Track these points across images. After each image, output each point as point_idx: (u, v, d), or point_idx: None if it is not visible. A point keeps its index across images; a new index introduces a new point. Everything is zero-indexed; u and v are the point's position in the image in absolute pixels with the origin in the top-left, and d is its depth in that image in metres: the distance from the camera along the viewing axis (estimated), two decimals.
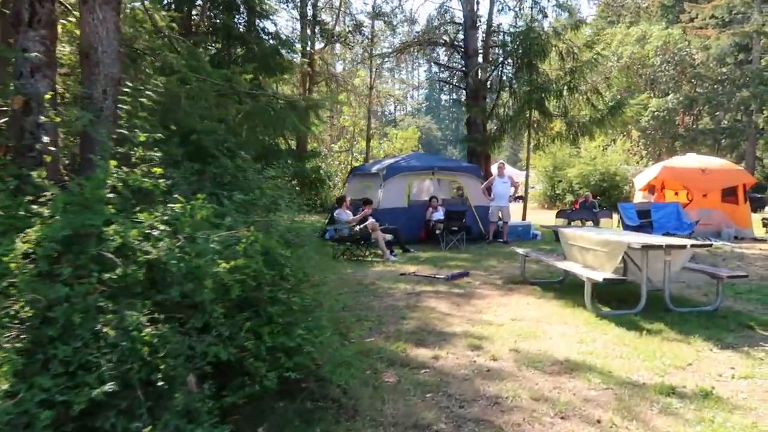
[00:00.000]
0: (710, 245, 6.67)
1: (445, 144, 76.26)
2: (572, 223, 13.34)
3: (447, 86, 26.00)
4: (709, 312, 6.06)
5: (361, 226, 10.77)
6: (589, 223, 13.26)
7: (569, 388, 4.03)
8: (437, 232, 12.27)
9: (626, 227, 10.58)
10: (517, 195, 20.63)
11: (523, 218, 15.69)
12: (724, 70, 40.46)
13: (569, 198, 25.65)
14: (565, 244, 7.35)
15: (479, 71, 16.05)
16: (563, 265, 6.79)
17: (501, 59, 16.77)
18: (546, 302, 6.70)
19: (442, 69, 21.50)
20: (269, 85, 13.84)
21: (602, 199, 22.99)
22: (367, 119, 28.42)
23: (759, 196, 22.27)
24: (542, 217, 17.15)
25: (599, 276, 5.87)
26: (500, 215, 12.89)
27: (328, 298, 4.56)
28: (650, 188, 14.94)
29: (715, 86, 40.49)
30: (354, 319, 5.91)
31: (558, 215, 13.55)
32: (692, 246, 5.94)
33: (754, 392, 3.92)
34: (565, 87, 14.34)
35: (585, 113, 14.63)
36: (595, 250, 6.51)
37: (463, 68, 17.78)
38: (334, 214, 11.18)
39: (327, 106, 13.29)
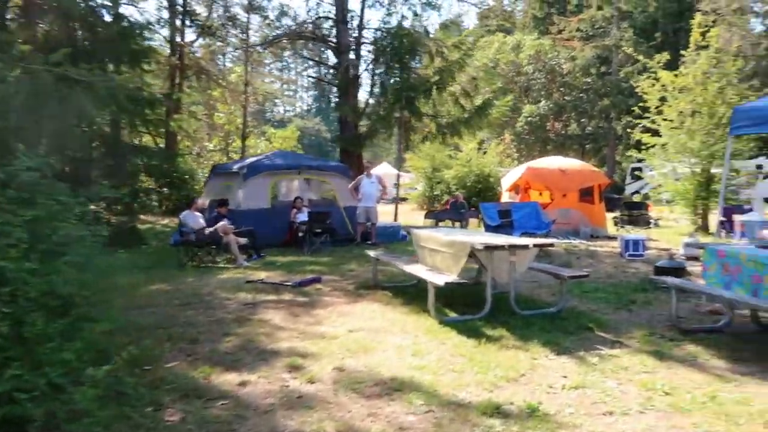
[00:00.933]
0: (551, 245, 6.52)
1: (335, 146, 75.64)
2: (440, 224, 13.20)
3: (326, 86, 25.32)
4: (553, 314, 5.86)
5: (211, 229, 9.79)
6: (458, 223, 13.18)
7: (386, 414, 3.47)
8: (300, 234, 11.55)
9: (487, 227, 10.50)
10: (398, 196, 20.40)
11: (395, 219, 15.40)
12: (588, 80, 43.37)
13: (447, 199, 25.99)
14: (416, 245, 6.92)
15: (350, 68, 15.54)
16: (409, 268, 6.34)
17: (373, 56, 16.40)
18: (392, 309, 6.21)
19: (315, 65, 20.80)
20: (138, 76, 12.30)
21: (478, 199, 23.47)
22: (243, 117, 27.09)
23: (617, 196, 23.74)
24: (417, 219, 16.99)
25: (441, 280, 5.45)
26: (368, 216, 12.43)
27: (105, 315, 3.69)
28: (516, 188, 15.23)
29: (581, 95, 43.26)
30: (166, 337, 5.04)
31: (426, 216, 13.36)
32: (535, 246, 5.70)
33: (581, 405, 3.59)
34: (434, 86, 14.21)
35: (454, 113, 14.62)
36: (443, 251, 6.12)
37: (336, 65, 17.23)
38: (180, 217, 10.10)
39: (161, 99, 12.03)
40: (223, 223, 9.89)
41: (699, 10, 18.52)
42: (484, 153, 28.20)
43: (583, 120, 44.62)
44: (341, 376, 4.08)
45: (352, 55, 16.49)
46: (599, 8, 44.44)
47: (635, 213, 14.17)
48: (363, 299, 6.75)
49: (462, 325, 5.41)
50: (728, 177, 14.50)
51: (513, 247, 5.61)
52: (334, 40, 17.02)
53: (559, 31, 45.47)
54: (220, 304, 6.50)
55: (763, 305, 4.31)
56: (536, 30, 49.38)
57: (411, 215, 19.76)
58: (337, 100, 16.88)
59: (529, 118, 43.24)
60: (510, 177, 15.61)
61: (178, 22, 21.82)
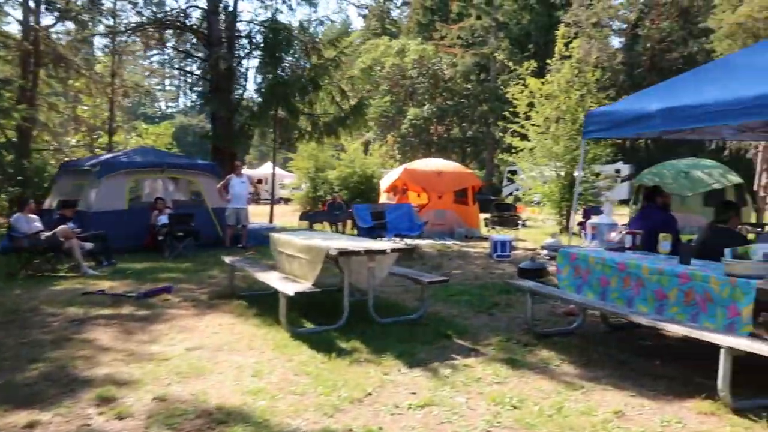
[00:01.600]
0: (412, 249, 6.32)
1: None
2: (314, 226, 12.76)
3: (192, 77, 23.90)
4: (414, 321, 5.62)
5: (48, 233, 8.62)
6: (334, 225, 12.79)
7: None
8: (160, 238, 10.58)
9: (360, 229, 10.21)
10: (273, 197, 19.61)
11: (270, 221, 14.74)
12: (468, 86, 44.99)
13: (325, 200, 25.61)
14: (274, 250, 6.42)
15: (221, 61, 14.63)
16: (263, 276, 5.82)
17: (246, 50, 15.60)
18: (244, 322, 5.66)
19: (184, 58, 19.52)
20: None
21: (361, 200, 23.31)
22: (110, 110, 24.91)
23: (492, 198, 24.63)
24: (295, 220, 16.39)
25: (291, 289, 4.99)
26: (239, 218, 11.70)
27: None
28: (394, 190, 15.16)
29: (462, 100, 44.73)
30: None
31: (301, 218, 12.86)
32: (393, 250, 5.42)
33: (426, 427, 3.30)
34: (310, 84, 13.74)
35: (331, 112, 14.25)
36: (299, 257, 5.67)
37: (206, 57, 16.20)
38: (11, 221, 8.81)
39: None
40: (63, 227, 8.74)
41: (562, 22, 19.64)
42: (369, 154, 28.16)
43: (464, 124, 46.23)
44: (159, 408, 3.50)
45: (224, 48, 15.56)
46: (478, 18, 46.26)
47: (505, 214, 14.60)
48: (214, 311, 6.13)
49: (316, 337, 4.99)
50: (590, 180, 15.47)
51: (370, 253, 5.28)
52: (205, 31, 15.99)
53: (442, 38, 46.80)
54: (40, 322, 5.59)
55: (609, 308, 4.31)
56: (420, 35, 50.44)
57: (291, 217, 19.10)
58: (208, 95, 15.87)
59: (413, 121, 44.02)
60: (388, 178, 15.52)
61: (32, 3, 19.55)
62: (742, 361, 3.38)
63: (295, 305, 5.65)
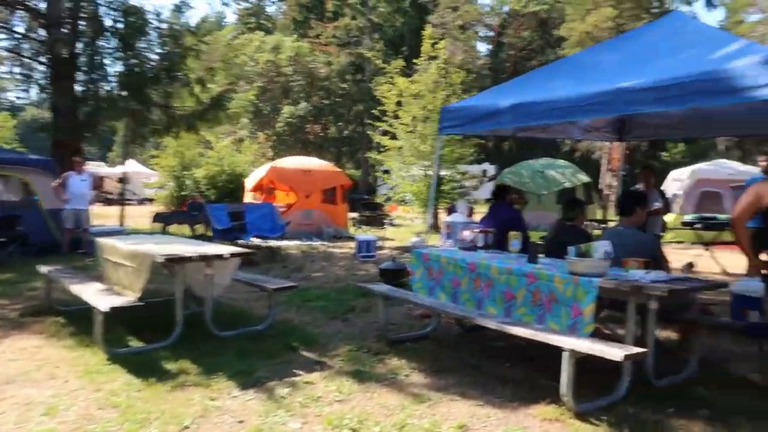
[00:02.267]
0: (252, 252, 5.81)
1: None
2: (170, 228, 11.71)
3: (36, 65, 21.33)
4: (260, 332, 5.09)
5: None
6: (191, 227, 11.82)
7: None
8: None
9: (215, 231, 9.44)
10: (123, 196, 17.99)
11: (121, 223, 13.37)
12: (344, 85, 44.88)
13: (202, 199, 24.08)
14: (100, 257, 5.56)
15: (61, 45, 12.98)
16: (77, 288, 4.98)
17: (93, 34, 14.00)
18: (54, 344, 4.79)
19: (18, 40, 17.23)
20: None
21: (230, 200, 22.15)
22: None
23: (366, 197, 24.55)
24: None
25: (106, 304, 4.25)
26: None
27: None
28: (260, 189, 14.44)
29: (338, 99, 44.51)
30: None
31: (155, 219, 11.75)
32: (233, 255, 4.84)
33: None
34: (166, 73, 12.61)
35: (190, 105, 13.20)
36: (126, 265, 4.91)
37: (45, 40, 14.33)
38: None
39: None
40: None
41: (429, 23, 20.02)
42: (239, 151, 26.92)
43: (340, 123, 46.07)
44: None
45: (65, 30, 13.84)
46: (353, 18, 46.34)
47: (372, 213, 14.45)
48: (20, 331, 5.16)
49: (138, 358, 4.30)
50: (456, 179, 15.77)
51: (206, 258, 4.67)
52: (43, 9, 14.15)
53: (317, 36, 46.33)
54: None
55: (457, 312, 4.09)
56: (296, 32, 49.56)
57: (148, 218, 17.57)
58: (44, 82, 14.08)
59: (288, 119, 43.09)
60: (254, 177, 14.76)
61: None
62: (587, 361, 3.27)
63: (123, 321, 4.90)
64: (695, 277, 6.48)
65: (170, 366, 4.17)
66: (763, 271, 3.87)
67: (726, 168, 13.94)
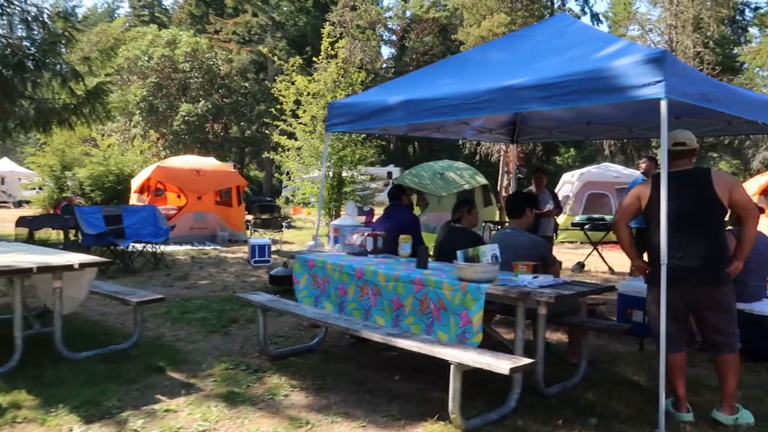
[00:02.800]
0: (111, 262, 5.18)
1: None
2: (36, 234, 10.52)
3: None
4: (123, 352, 4.49)
5: None
6: (62, 232, 10.67)
7: None
8: None
9: (85, 236, 8.52)
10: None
11: None
12: (246, 84, 43.48)
13: (79, 201, 22.17)
14: None
15: None
16: None
17: None
18: None
19: None
20: None
21: (118, 202, 20.59)
22: None
23: (269, 199, 23.75)
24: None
25: None
26: None
27: None
28: (146, 190, 13.43)
29: (240, 98, 43.04)
30: None
31: (18, 223, 10.50)
32: (84, 264, 4.21)
33: None
34: (32, 61, 11.32)
35: (61, 98, 11.95)
36: None
37: None
38: None
39: None
40: None
41: (328, 20, 19.73)
42: (123, 152, 25.16)
43: (242, 123, 44.57)
44: None
45: None
46: (254, 15, 45.11)
47: (268, 216, 13.87)
48: None
49: None
50: (358, 180, 15.49)
51: (51, 269, 4.02)
52: None
53: (216, 32, 44.65)
54: None
55: (342, 324, 3.75)
56: (193, 27, 47.47)
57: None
58: None
59: (186, 117, 41.11)
60: (139, 178, 13.71)
61: None
62: (477, 372, 3.05)
63: None
64: (581, 280, 6.57)
65: (3, 398, 3.51)
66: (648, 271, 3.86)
67: (611, 171, 14.69)
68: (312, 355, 4.57)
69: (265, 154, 17.81)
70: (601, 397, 3.66)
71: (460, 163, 14.46)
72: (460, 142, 24.18)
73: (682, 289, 3.25)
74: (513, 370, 2.77)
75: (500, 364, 2.82)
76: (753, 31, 32.11)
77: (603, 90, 3.50)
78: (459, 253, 3.57)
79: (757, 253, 4.51)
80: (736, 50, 25.89)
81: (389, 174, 29.65)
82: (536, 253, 3.96)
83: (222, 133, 44.15)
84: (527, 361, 2.92)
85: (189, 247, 12.08)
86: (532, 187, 7.08)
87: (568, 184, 14.46)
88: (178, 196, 14.10)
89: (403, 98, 4.69)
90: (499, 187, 19.23)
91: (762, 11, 29.34)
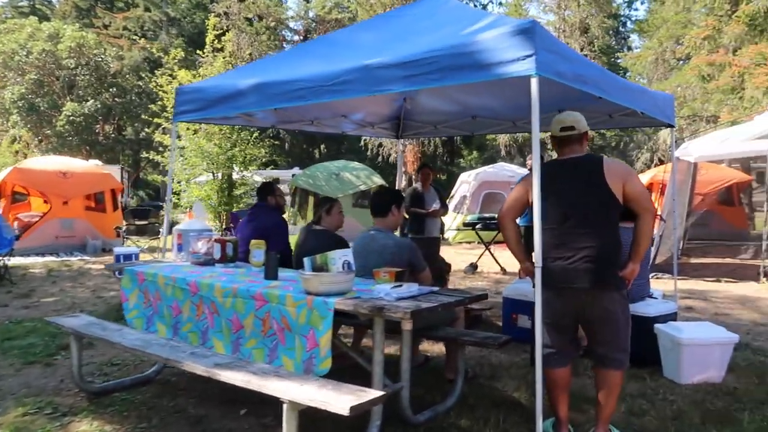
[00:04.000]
0: None
1: None
2: None
3: None
4: None
5: None
6: None
7: None
8: None
9: None
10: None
11: None
12: (140, 83, 40.79)
13: None
14: None
15: None
16: None
17: None
18: None
19: None
20: None
21: None
22: None
23: (160, 204, 22.06)
24: None
25: None
26: None
27: None
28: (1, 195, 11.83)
29: (134, 98, 40.30)
30: None
31: None
32: None
33: None
34: None
35: None
36: None
37: None
38: None
39: None
40: None
41: (213, 12, 18.66)
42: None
43: (137, 124, 41.79)
44: None
45: None
46: (147, 9, 42.64)
47: (144, 222, 12.68)
48: None
49: None
50: (250, 182, 14.56)
51: None
52: None
53: (105, 26, 41.72)
54: None
55: (164, 355, 3.01)
56: (79, 21, 44.07)
57: None
58: None
59: (71, 118, 38.00)
60: None
61: None
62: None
63: None
64: (468, 285, 6.12)
65: None
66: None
67: (506, 170, 14.75)
68: (147, 387, 3.79)
69: (145, 154, 16.37)
70: (476, 422, 3.18)
71: (357, 163, 13.96)
72: (362, 142, 23.77)
73: (567, 295, 2.83)
74: (354, 409, 2.18)
75: (340, 402, 2.23)
76: (634, 37, 34.26)
77: (469, 67, 3.03)
78: (306, 261, 2.96)
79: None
80: (621, 59, 27.35)
81: (294, 176, 28.64)
82: (403, 258, 3.44)
83: (114, 135, 41.23)
84: (375, 395, 2.35)
85: (52, 258, 10.71)
86: (418, 185, 6.64)
87: (465, 184, 14.36)
88: (45, 202, 12.56)
89: (255, 81, 4.04)
90: (397, 188, 18.90)
91: (640, 18, 31.31)
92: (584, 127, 2.98)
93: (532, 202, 2.84)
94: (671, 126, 5.04)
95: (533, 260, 2.87)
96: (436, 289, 3.06)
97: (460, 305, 2.92)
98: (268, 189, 4.90)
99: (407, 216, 6.63)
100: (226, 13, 20.69)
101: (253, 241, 3.83)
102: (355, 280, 3.33)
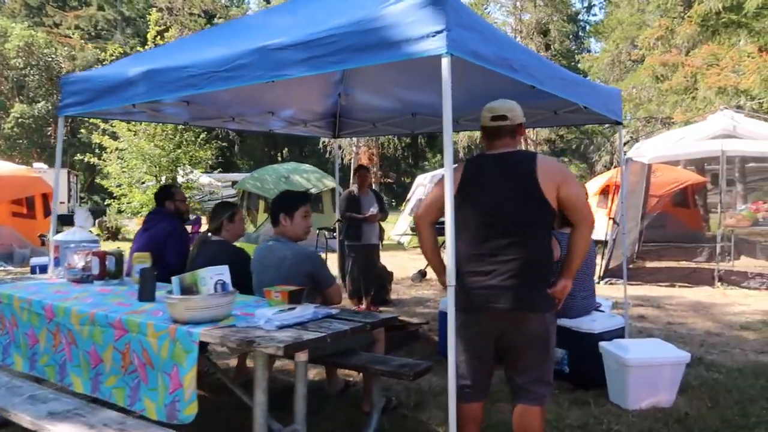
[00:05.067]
0: None
1: None
2: None
3: None
4: None
5: None
6: None
7: None
8: None
9: None
10: None
11: None
12: None
13: None
14: None
15: None
16: None
17: None
18: None
19: None
20: None
21: None
22: None
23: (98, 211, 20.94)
24: None
25: None
26: None
27: None
28: None
29: None
30: None
31: None
32: None
33: None
34: None
35: None
36: None
37: None
38: None
39: None
40: None
41: (155, 6, 17.92)
42: None
43: (91, 126, 40.38)
44: None
45: None
46: (100, 8, 41.28)
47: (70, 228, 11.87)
48: None
49: None
50: (195, 186, 13.86)
51: None
52: None
53: (56, 25, 40.21)
54: None
55: (1, 405, 2.40)
56: (29, 19, 42.38)
57: None
58: None
59: (20, 120, 36.47)
60: None
61: None
62: None
63: None
64: (361, 310, 5.62)
65: None
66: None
67: None
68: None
69: (78, 156, 15.51)
70: None
71: (308, 165, 13.39)
72: (321, 144, 23.20)
73: (487, 318, 2.37)
74: None
75: None
76: (594, 42, 34.57)
77: (373, 46, 2.56)
78: (174, 281, 2.43)
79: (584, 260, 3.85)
80: (580, 63, 27.48)
81: (242, 180, 27.83)
82: (303, 272, 2.93)
83: (66, 138, 39.70)
84: None
85: None
86: (354, 187, 6.14)
87: (421, 187, 13.94)
88: None
89: (145, 68, 3.48)
90: (338, 191, 18.42)
91: (595, 20, 31.58)
92: (519, 118, 2.52)
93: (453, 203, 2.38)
94: (619, 123, 4.66)
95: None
96: (334, 312, 2.56)
97: (359, 332, 2.43)
98: (165, 193, 4.29)
99: (342, 220, 6.15)
100: (169, 9, 19.94)
101: (135, 254, 3.27)
102: (248, 301, 2.82)
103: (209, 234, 3.52)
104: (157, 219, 4.05)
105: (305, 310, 2.48)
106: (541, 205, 2.35)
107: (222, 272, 2.41)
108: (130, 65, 3.72)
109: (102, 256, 3.33)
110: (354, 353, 3.10)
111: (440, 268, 2.60)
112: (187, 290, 2.40)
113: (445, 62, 2.35)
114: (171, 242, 3.85)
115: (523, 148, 2.58)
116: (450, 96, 2.39)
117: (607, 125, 8.26)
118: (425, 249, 2.67)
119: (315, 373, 3.88)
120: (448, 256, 2.32)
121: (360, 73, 5.06)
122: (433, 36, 2.37)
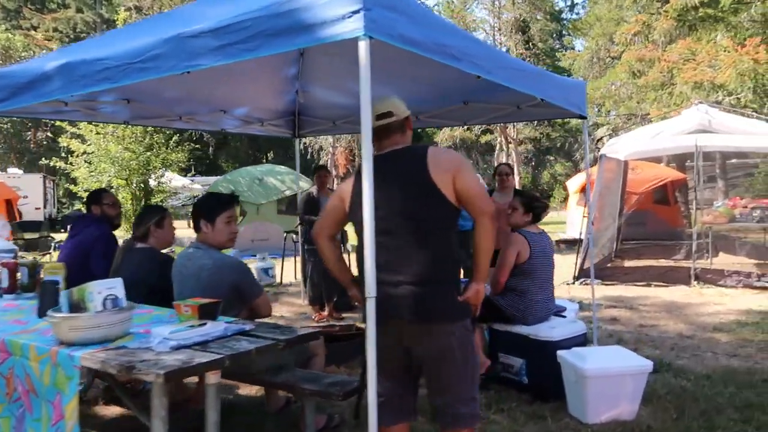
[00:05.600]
0: None
1: None
2: None
3: None
4: None
5: None
6: None
7: None
8: None
9: None
10: None
11: None
12: None
13: None
14: None
15: None
16: None
17: None
18: None
19: None
20: None
21: None
22: None
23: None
24: None
25: None
26: None
27: None
28: None
29: None
30: None
31: None
32: None
33: None
34: None
35: None
36: None
37: None
38: None
39: None
40: None
41: (123, 6, 17.55)
42: None
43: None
44: None
45: None
46: (79, 11, 40.69)
47: (36, 235, 11.52)
48: None
49: None
50: (166, 189, 13.54)
51: None
52: None
53: (33, 28, 39.61)
54: None
55: None
56: (6, 23, 41.70)
57: None
58: None
59: None
60: None
61: None
62: None
63: None
64: (322, 318, 5.35)
65: None
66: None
67: None
68: None
69: (46, 161, 15.14)
70: None
71: (282, 167, 13.10)
72: (302, 146, 22.89)
73: (392, 330, 2.12)
74: None
75: None
76: (576, 41, 34.53)
77: (287, 30, 2.31)
78: (62, 296, 2.15)
79: (543, 258, 3.62)
80: (561, 61, 27.39)
81: (214, 182, 27.51)
82: (224, 282, 2.66)
83: (46, 143, 39.08)
84: None
85: None
86: (313, 189, 5.88)
87: None
88: None
89: (62, 62, 3.20)
90: (298, 194, 18.22)
91: (575, 18, 31.57)
92: (404, 112, 2.32)
93: (348, 213, 2.16)
94: (582, 117, 4.43)
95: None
96: (248, 327, 2.29)
97: (270, 351, 2.16)
98: (94, 197, 3.98)
99: (302, 224, 5.89)
100: (137, 8, 19.61)
101: (47, 265, 2.99)
102: (164, 316, 2.56)
103: (134, 240, 3.23)
104: (83, 224, 3.76)
105: (214, 327, 2.21)
106: (435, 199, 2.12)
107: (114, 286, 2.14)
108: (50, 59, 3.44)
109: (13, 267, 3.05)
110: (287, 369, 2.84)
111: (348, 280, 2.41)
112: (75, 307, 2.13)
113: (363, 45, 2.09)
114: (98, 248, 3.56)
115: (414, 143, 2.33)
116: (368, 86, 2.13)
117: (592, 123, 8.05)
118: (329, 265, 2.43)
119: (256, 389, 3.63)
120: (366, 265, 2.06)
121: (316, 68, 4.81)
122: (349, 17, 2.11)
